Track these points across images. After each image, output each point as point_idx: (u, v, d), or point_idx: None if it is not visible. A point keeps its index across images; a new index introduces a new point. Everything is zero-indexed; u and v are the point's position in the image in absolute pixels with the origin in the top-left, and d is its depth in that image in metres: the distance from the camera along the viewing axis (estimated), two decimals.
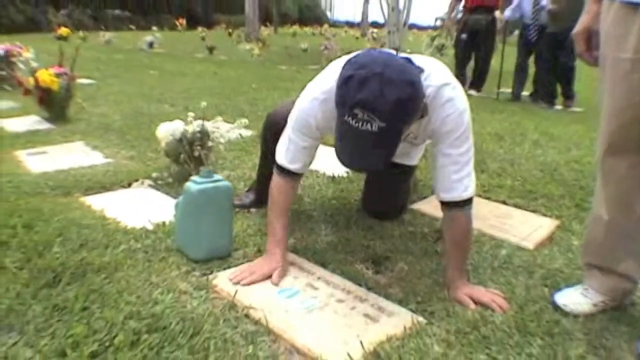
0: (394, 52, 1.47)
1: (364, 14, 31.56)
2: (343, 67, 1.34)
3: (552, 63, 5.69)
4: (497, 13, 6.44)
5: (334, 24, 52.40)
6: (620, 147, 1.37)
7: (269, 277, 1.59)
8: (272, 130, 1.85)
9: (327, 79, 1.52)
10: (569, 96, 5.82)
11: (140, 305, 1.37)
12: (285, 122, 1.68)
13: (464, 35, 6.46)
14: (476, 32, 6.31)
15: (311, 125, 1.58)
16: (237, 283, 1.54)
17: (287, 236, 1.73)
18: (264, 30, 16.95)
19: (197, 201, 1.67)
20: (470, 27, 6.34)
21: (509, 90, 6.37)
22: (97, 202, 2.18)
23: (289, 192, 1.72)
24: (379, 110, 1.24)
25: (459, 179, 1.52)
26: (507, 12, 6.26)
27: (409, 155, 2.08)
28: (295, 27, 28.71)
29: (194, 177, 1.72)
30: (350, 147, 1.34)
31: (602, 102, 1.40)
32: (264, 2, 25.80)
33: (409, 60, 1.42)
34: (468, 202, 1.56)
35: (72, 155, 2.97)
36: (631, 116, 1.33)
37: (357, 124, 1.27)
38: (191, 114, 2.53)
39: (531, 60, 6.18)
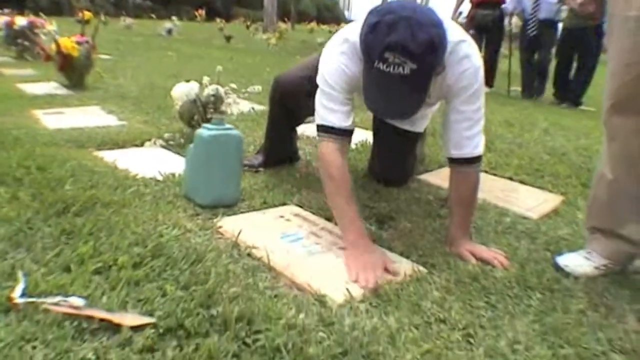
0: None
1: None
2: (367, 17, 1.35)
3: (570, 61, 5.71)
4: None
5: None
6: (625, 105, 1.38)
7: (386, 269, 1.37)
8: (279, 92, 1.88)
9: (349, 34, 1.51)
10: (578, 101, 5.81)
11: (146, 235, 1.39)
12: (293, 85, 1.67)
13: (471, 32, 6.43)
14: (484, 28, 6.21)
15: (347, 74, 1.51)
16: (364, 287, 1.28)
17: (362, 222, 1.56)
18: (281, 25, 16.98)
19: (207, 147, 1.70)
20: (478, 22, 6.23)
21: (520, 88, 6.41)
22: (109, 156, 2.21)
23: (344, 160, 1.57)
24: (411, 52, 1.25)
25: (471, 135, 1.54)
26: (508, 5, 6.27)
27: (414, 122, 2.09)
28: (313, 25, 28.70)
29: (206, 125, 1.74)
30: (383, 94, 1.34)
31: (609, 60, 1.41)
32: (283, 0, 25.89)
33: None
34: (477, 159, 1.57)
35: (88, 116, 3.01)
36: (635, 73, 1.34)
37: (388, 69, 1.28)
38: (206, 77, 2.56)
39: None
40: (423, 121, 2.11)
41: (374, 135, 2.24)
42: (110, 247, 1.30)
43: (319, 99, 1.58)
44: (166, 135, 2.55)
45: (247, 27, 19.97)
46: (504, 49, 6.83)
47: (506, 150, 2.85)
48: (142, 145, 2.50)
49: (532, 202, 2.08)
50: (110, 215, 1.51)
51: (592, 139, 3.33)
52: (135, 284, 1.15)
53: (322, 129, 1.57)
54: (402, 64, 1.26)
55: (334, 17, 54.12)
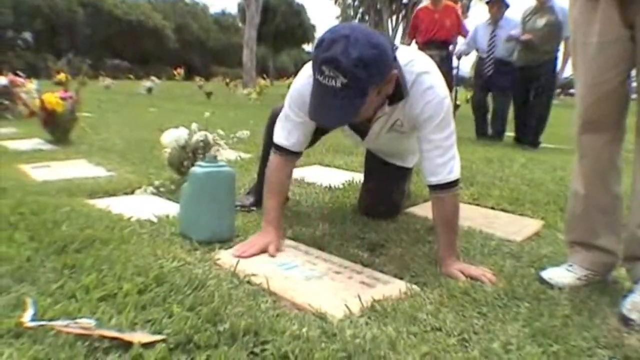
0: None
1: None
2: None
3: (525, 101, 5.47)
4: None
5: None
6: (593, 124, 1.50)
7: (265, 250, 1.68)
8: (275, 122, 1.96)
9: None
10: (535, 142, 5.47)
11: (147, 267, 1.43)
12: None
13: None
14: None
15: (305, 96, 1.63)
16: (239, 257, 1.62)
17: (280, 214, 1.83)
18: (260, 81, 17.39)
19: (202, 183, 1.76)
20: None
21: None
22: (102, 203, 2.24)
23: (284, 171, 1.84)
24: (342, 67, 1.36)
25: (444, 162, 1.63)
26: (461, 47, 6.07)
27: (403, 157, 2.20)
28: (292, 79, 29.37)
29: (199, 162, 1.81)
30: (319, 103, 1.46)
31: (576, 83, 1.54)
32: (261, 57, 26.54)
33: (382, 34, 1.54)
34: (454, 183, 1.66)
35: (75, 168, 3.05)
36: (600, 93, 1.47)
37: (324, 81, 1.40)
38: (195, 124, 2.65)
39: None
40: (412, 157, 2.22)
41: (365, 171, 2.34)
42: (114, 277, 1.34)
43: (279, 116, 1.83)
44: (157, 182, 2.60)
45: (227, 84, 20.40)
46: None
47: (488, 183, 2.96)
48: (132, 193, 2.54)
49: (514, 227, 2.17)
50: (110, 251, 1.55)
51: (568, 170, 3.45)
52: (142, 307, 1.19)
53: (275, 145, 1.82)
54: (335, 78, 1.38)
55: None
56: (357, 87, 1.40)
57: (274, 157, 1.83)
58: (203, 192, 1.76)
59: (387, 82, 1.51)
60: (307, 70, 1.69)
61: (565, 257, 1.70)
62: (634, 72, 1.47)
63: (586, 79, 1.49)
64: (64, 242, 1.58)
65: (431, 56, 5.67)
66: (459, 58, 6.18)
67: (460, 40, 6.23)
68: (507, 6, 5.78)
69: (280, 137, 1.81)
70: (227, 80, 22.63)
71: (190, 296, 1.27)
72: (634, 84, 1.50)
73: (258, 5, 16.65)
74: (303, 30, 41.39)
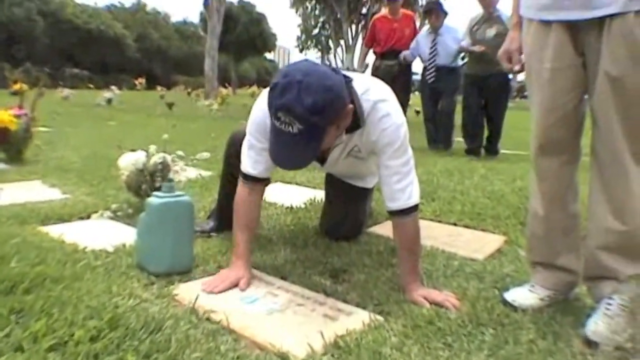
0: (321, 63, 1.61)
1: None
2: (273, 77, 1.48)
3: (478, 109, 5.36)
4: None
5: None
6: (550, 147, 1.52)
7: (236, 285, 1.65)
8: (235, 148, 1.92)
9: None
10: (495, 150, 5.43)
11: (101, 308, 1.37)
12: None
13: None
14: (390, 78, 5.48)
15: (267, 125, 1.62)
16: (210, 292, 1.59)
17: (249, 248, 1.78)
18: (222, 90, 17.22)
19: (159, 215, 1.71)
20: (383, 75, 5.64)
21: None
22: (55, 230, 2.16)
23: (253, 203, 1.79)
24: (297, 114, 1.36)
25: (402, 188, 1.63)
26: (406, 52, 5.95)
27: (363, 178, 2.19)
28: (254, 88, 29.31)
29: (156, 192, 1.76)
30: (277, 147, 1.47)
31: (532, 107, 1.55)
32: (223, 65, 26.36)
33: (334, 69, 1.53)
34: (413, 208, 1.66)
35: (29, 191, 2.93)
36: (555, 118, 1.49)
37: (281, 126, 1.40)
38: (153, 146, 2.58)
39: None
40: (372, 177, 2.21)
41: (326, 193, 2.33)
42: (65, 322, 1.27)
43: (243, 144, 1.78)
44: (113, 206, 2.52)
45: (189, 93, 20.18)
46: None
47: (449, 198, 2.98)
48: (88, 217, 2.46)
49: (477, 244, 2.18)
50: (61, 291, 1.47)
51: (526, 180, 3.51)
52: (94, 357, 1.13)
53: (242, 174, 1.78)
54: (291, 124, 1.38)
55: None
56: (313, 131, 1.41)
57: (241, 188, 1.78)
58: (160, 223, 1.70)
59: (344, 118, 1.51)
60: (264, 99, 1.66)
61: (527, 274, 1.72)
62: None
63: (541, 104, 1.51)
64: (13, 282, 1.50)
65: (391, 66, 5.53)
66: (407, 65, 6.05)
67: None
68: (446, 14, 5.75)
69: (246, 166, 1.76)
70: (189, 89, 22.38)
71: (146, 341, 1.21)
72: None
73: (220, 16, 16.49)
74: (264, 39, 41.49)
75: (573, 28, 1.43)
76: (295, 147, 1.43)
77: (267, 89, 1.69)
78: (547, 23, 1.47)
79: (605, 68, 1.37)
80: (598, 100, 1.41)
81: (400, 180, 1.63)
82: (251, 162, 1.75)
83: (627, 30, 1.32)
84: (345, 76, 1.56)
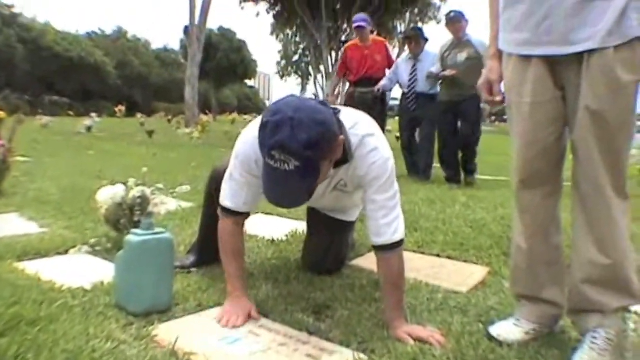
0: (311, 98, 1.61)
1: None
2: (262, 115, 1.46)
3: (450, 135, 5.33)
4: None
5: None
6: (531, 180, 1.54)
7: (250, 316, 1.68)
8: (217, 181, 1.90)
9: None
10: (471, 170, 5.36)
11: (78, 352, 1.33)
12: None
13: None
14: (365, 106, 4.97)
15: (251, 159, 1.63)
16: (225, 326, 1.62)
17: (244, 279, 1.81)
18: (203, 117, 17.19)
19: (137, 253, 1.68)
20: (358, 103, 5.38)
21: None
22: (32, 267, 2.11)
23: (237, 232, 1.78)
24: (292, 151, 1.35)
25: (388, 223, 1.63)
26: (384, 81, 5.76)
27: (346, 212, 2.19)
28: (235, 115, 29.39)
29: (135, 230, 1.73)
30: (273, 186, 1.45)
31: (513, 141, 1.57)
32: (203, 92, 26.42)
33: (323, 103, 1.53)
34: (398, 244, 1.65)
35: (5, 225, 2.87)
36: (536, 151, 1.51)
37: (276, 165, 1.38)
38: (132, 179, 2.55)
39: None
40: (355, 210, 2.21)
41: (308, 226, 2.31)
42: None
43: (225, 178, 1.76)
44: (92, 241, 2.48)
45: (169, 121, 20.08)
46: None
47: (431, 228, 2.98)
48: (66, 253, 2.41)
49: (460, 276, 2.18)
50: (37, 334, 1.43)
51: (508, 208, 3.54)
52: None
53: (221, 208, 1.76)
54: (287, 161, 1.36)
55: (255, 107, 55.62)
56: (310, 167, 1.39)
57: (223, 223, 1.77)
58: (140, 262, 1.67)
59: (336, 150, 1.50)
60: (251, 131, 1.63)
61: (512, 306, 1.72)
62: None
63: (522, 137, 1.53)
64: None
65: (365, 94, 5.44)
66: (382, 93, 5.86)
67: (387, 73, 6.01)
68: (426, 40, 5.77)
69: (227, 200, 1.74)
70: (170, 117, 22.31)
71: None
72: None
73: (200, 44, 16.60)
74: (245, 66, 41.73)
75: (553, 63, 1.45)
76: (292, 185, 1.41)
77: (253, 122, 1.69)
78: (526, 58, 1.49)
79: (585, 102, 1.39)
80: (579, 134, 1.43)
81: (386, 215, 1.62)
82: (232, 195, 1.73)
83: (606, 65, 1.35)
84: (333, 109, 1.56)
